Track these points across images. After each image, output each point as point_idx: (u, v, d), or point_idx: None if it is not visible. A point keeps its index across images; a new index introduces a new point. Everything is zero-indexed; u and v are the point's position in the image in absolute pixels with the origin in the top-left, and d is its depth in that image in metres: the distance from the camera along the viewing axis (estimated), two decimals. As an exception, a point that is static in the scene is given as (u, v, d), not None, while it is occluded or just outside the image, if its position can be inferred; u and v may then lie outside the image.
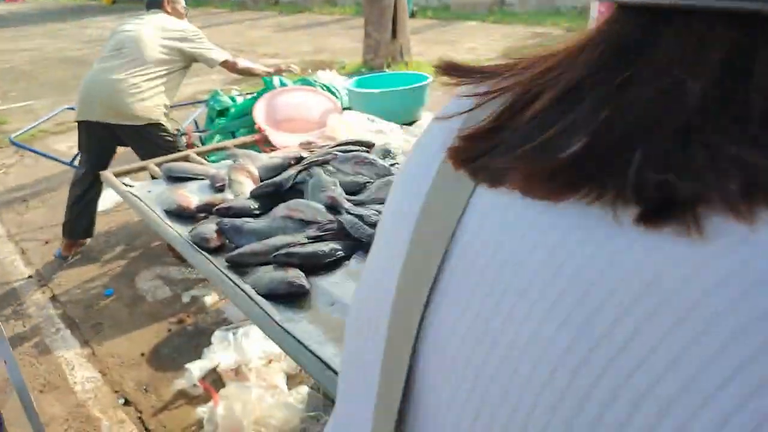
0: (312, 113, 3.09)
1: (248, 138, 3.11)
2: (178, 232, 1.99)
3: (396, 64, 9.35)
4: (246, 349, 3.02)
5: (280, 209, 1.95)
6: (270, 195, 2.12)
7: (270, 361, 3.01)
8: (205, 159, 2.83)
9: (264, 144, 3.12)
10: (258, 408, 2.57)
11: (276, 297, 1.57)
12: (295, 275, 1.61)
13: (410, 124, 3.08)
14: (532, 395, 0.30)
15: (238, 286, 1.64)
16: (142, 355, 3.21)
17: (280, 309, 1.52)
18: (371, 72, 7.55)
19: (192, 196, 2.21)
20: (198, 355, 3.03)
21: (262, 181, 2.25)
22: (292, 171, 2.22)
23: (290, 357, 1.43)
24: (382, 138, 2.63)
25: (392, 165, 2.26)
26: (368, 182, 2.09)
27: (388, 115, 2.86)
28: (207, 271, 1.78)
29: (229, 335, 3.12)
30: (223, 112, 4.04)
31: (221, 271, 1.74)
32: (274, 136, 3.00)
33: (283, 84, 3.66)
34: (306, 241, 1.79)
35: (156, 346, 3.26)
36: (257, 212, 2.04)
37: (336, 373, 1.27)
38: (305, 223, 1.89)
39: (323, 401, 2.61)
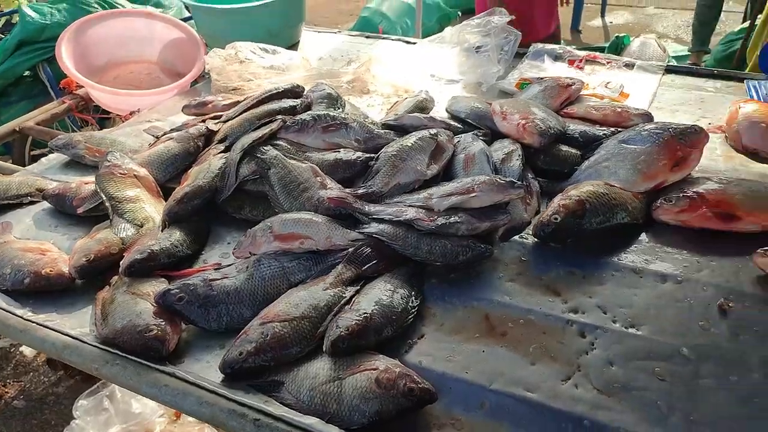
0: (153, 50, 2.00)
1: (54, 106, 1.91)
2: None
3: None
4: (137, 411, 2.09)
5: (260, 240, 1.11)
6: (197, 210, 1.23)
7: (178, 416, 2.14)
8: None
9: (80, 110, 1.98)
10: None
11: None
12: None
13: (292, 47, 2.21)
14: None
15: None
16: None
17: None
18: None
19: (48, 249, 1.19)
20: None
21: (163, 186, 1.30)
22: (219, 161, 1.32)
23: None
24: (301, 76, 1.78)
25: (365, 120, 1.50)
26: (367, 159, 1.32)
27: (260, 37, 1.95)
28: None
29: (101, 400, 2.13)
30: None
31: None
32: (102, 95, 1.88)
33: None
34: (346, 292, 1.03)
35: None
36: (189, 249, 1.16)
37: None
38: (317, 257, 1.11)
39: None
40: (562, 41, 4.70)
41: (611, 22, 5.67)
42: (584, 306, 1.05)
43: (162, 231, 1.19)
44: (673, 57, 4.41)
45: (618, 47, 4.32)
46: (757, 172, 1.42)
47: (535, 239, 1.19)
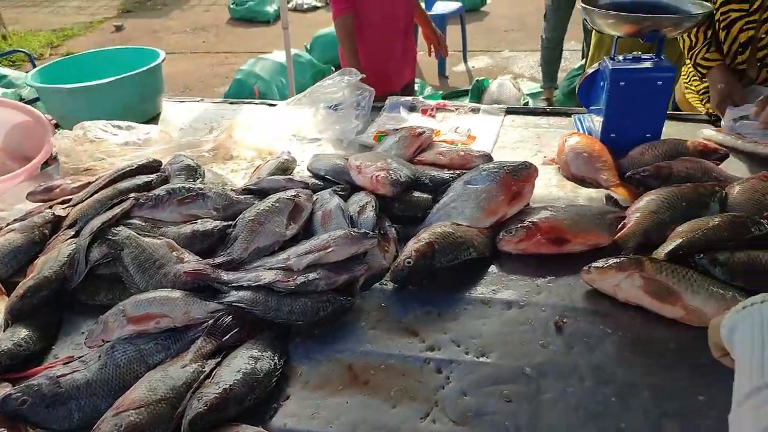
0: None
1: None
2: None
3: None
4: None
5: (112, 325, 1.08)
6: (44, 303, 1.17)
7: None
8: None
9: None
10: None
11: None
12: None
13: (152, 120, 2.20)
14: None
15: None
16: None
17: None
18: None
19: None
20: None
21: (8, 281, 1.23)
22: (68, 248, 1.27)
23: None
24: (159, 149, 1.77)
25: (223, 187, 1.51)
26: (224, 227, 1.33)
27: (116, 113, 1.92)
28: None
29: None
30: None
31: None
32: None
33: None
34: (206, 366, 1.02)
35: None
36: (36, 346, 1.10)
37: None
38: (176, 335, 1.09)
39: None
40: (429, 87, 5.05)
41: (473, 67, 6.14)
42: (440, 342, 1.11)
43: (4, 331, 1.11)
44: (528, 94, 4.86)
45: (479, 90, 4.70)
46: (586, 196, 1.60)
47: (394, 284, 1.26)
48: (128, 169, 1.54)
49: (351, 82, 2.02)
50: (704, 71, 1.94)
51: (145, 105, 2.14)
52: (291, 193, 1.41)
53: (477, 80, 4.76)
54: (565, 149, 1.73)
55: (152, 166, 1.59)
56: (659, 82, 1.65)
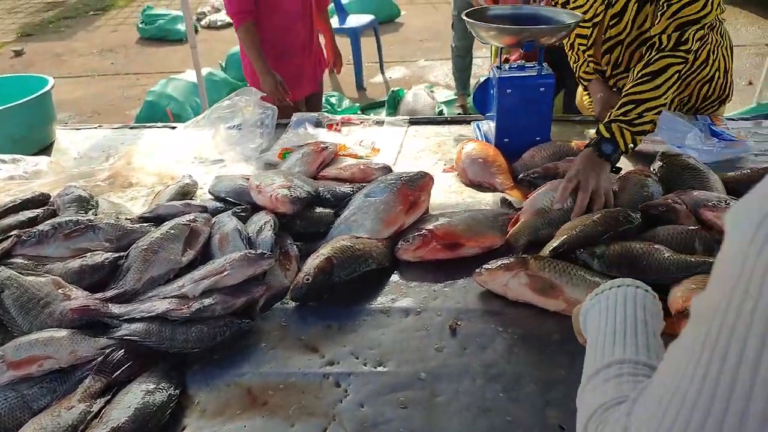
0: None
1: None
2: None
3: None
4: None
5: (-10, 374, 1.02)
6: None
7: None
8: None
9: None
10: None
11: None
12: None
13: (44, 150, 2.10)
14: None
15: None
16: None
17: None
18: None
19: None
20: None
21: None
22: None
23: None
24: (49, 181, 1.69)
25: (118, 217, 1.47)
26: (115, 258, 1.29)
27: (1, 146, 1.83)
28: None
29: None
30: None
31: None
32: None
33: None
34: (95, 406, 0.98)
35: None
36: None
37: None
38: (62, 376, 1.04)
39: None
40: (347, 100, 5.09)
41: (391, 77, 6.25)
42: (339, 356, 1.13)
43: None
44: (443, 102, 5.00)
45: (395, 100, 4.79)
46: (484, 200, 1.67)
47: (294, 302, 1.27)
48: (11, 205, 1.47)
49: (251, 102, 2.01)
50: (585, 83, 2.09)
51: (35, 135, 2.04)
52: (187, 218, 1.39)
53: (392, 91, 4.85)
54: (462, 156, 1.80)
55: (38, 200, 1.52)
56: (542, 89, 1.76)
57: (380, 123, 2.20)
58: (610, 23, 1.80)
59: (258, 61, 2.57)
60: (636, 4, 1.72)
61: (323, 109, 4.65)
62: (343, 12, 6.03)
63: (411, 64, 6.66)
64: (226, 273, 1.20)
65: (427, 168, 1.84)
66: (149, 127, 2.28)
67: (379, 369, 1.09)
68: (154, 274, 1.25)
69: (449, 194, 1.72)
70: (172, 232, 1.34)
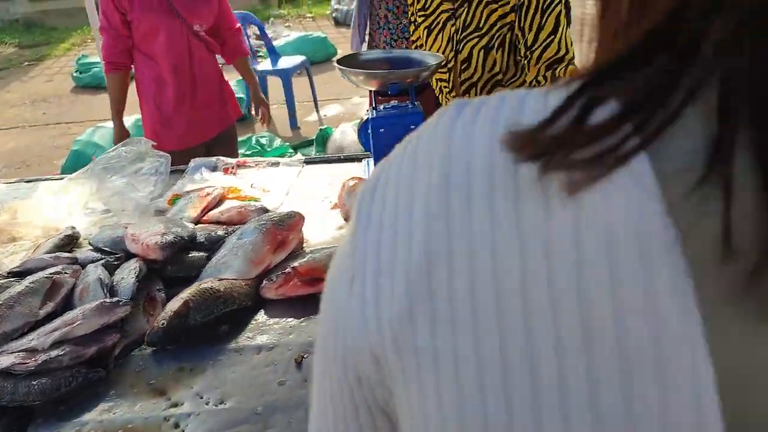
0: None
1: None
2: None
3: None
4: None
5: None
6: None
7: None
8: None
9: None
10: None
11: None
12: None
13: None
14: None
15: None
16: None
17: None
18: None
19: None
20: None
21: None
22: None
23: None
24: None
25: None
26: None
27: None
28: None
29: None
30: None
31: None
32: None
33: None
34: None
35: None
36: None
37: None
38: None
39: None
40: (279, 140, 5.17)
41: (325, 115, 6.38)
42: (184, 397, 1.16)
43: None
44: (372, 138, 5.12)
45: (324, 138, 4.90)
46: (361, 234, 1.74)
47: (151, 347, 1.29)
48: None
49: (144, 149, 2.06)
50: None
51: None
52: (50, 270, 1.41)
53: (320, 129, 4.97)
54: (343, 193, 1.88)
55: None
56: (412, 126, 1.86)
57: (275, 164, 2.27)
58: (462, 68, 1.94)
59: (113, 110, 2.77)
60: (481, 51, 1.86)
61: (252, 150, 4.72)
62: (275, 54, 6.17)
63: (345, 101, 6.82)
64: (77, 323, 1.23)
65: (314, 206, 1.92)
66: (45, 179, 2.29)
67: (221, 406, 1.13)
68: (7, 329, 1.26)
69: (332, 231, 1.78)
70: (31, 285, 1.35)
